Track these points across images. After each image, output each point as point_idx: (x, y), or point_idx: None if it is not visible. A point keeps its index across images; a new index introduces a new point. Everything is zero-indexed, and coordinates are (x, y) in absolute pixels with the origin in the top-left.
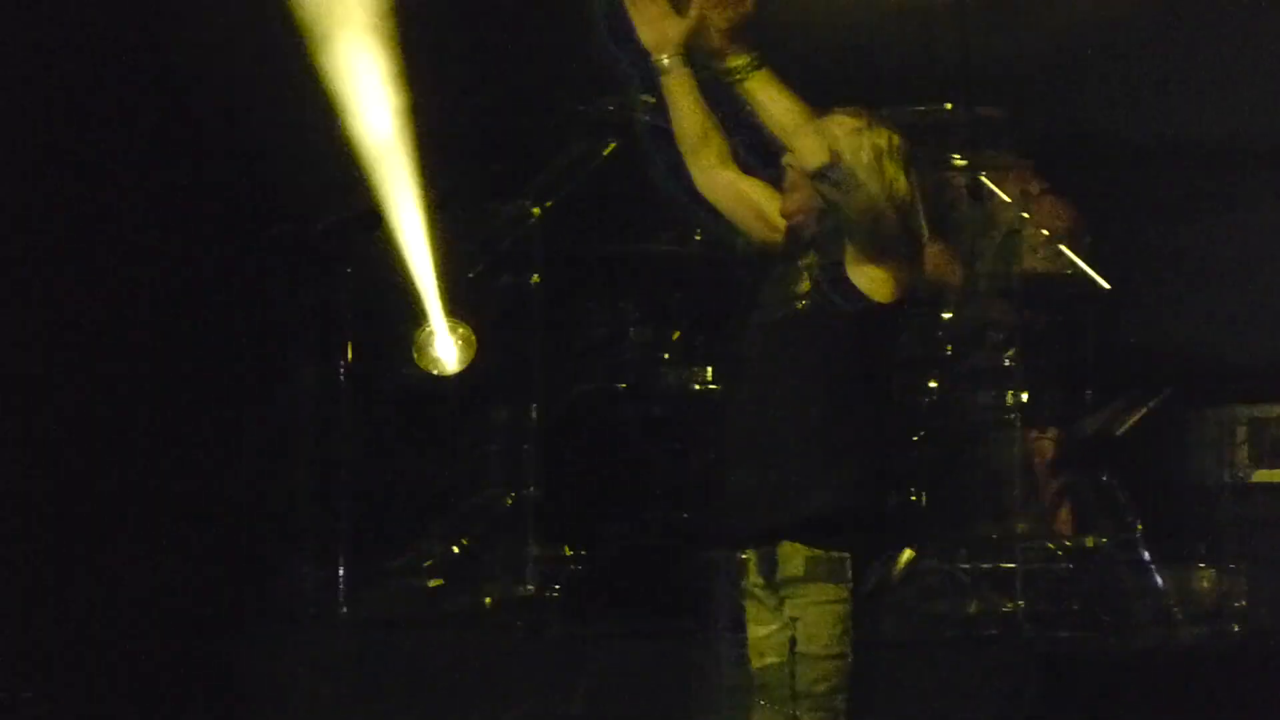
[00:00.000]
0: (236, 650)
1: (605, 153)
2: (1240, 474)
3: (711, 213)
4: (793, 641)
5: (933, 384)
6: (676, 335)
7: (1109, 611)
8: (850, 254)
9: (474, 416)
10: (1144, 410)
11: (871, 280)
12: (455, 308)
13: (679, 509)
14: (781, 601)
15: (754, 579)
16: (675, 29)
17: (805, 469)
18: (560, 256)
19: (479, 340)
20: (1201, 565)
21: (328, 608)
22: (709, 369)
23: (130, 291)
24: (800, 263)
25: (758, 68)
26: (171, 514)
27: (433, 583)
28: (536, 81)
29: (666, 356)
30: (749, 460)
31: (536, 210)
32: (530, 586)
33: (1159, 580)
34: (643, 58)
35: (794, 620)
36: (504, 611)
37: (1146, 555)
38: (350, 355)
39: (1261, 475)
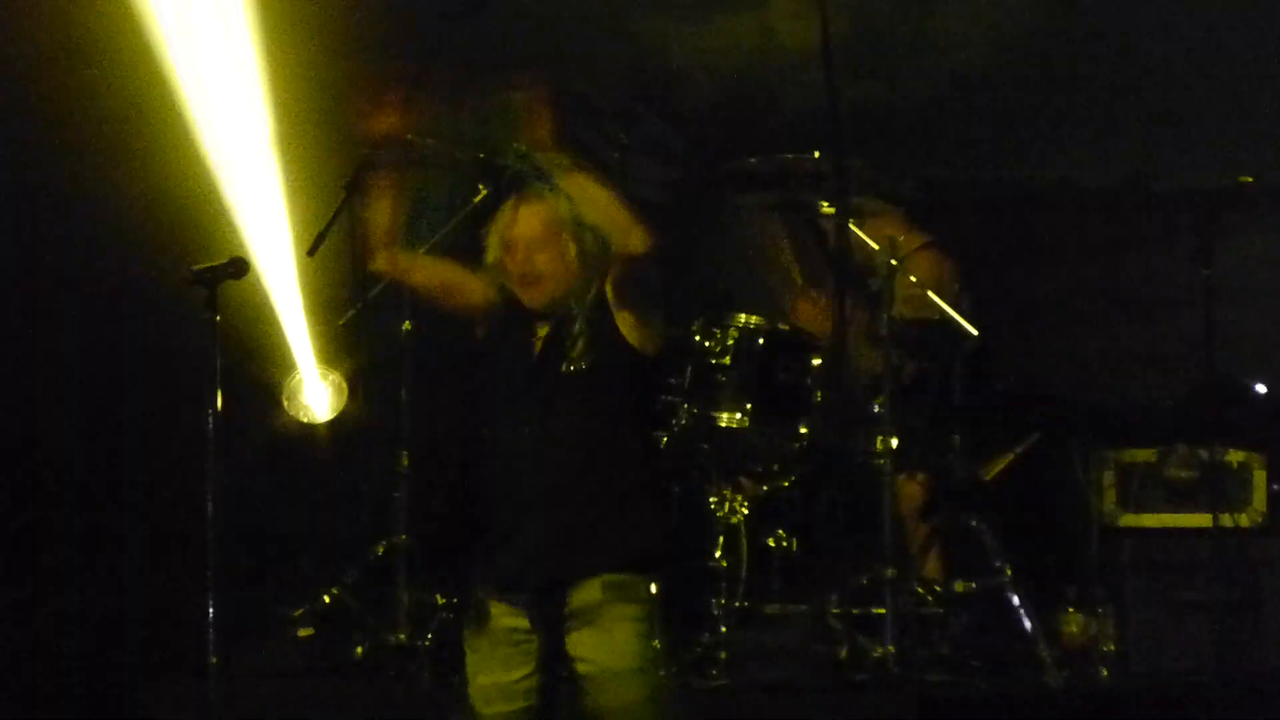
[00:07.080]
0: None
1: (476, 200)
2: (1107, 518)
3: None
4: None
5: (803, 429)
6: None
7: (978, 655)
8: (624, 317)
9: (346, 464)
10: (1013, 455)
11: (642, 337)
12: (327, 355)
13: None
14: (562, 638)
15: (509, 622)
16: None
17: (604, 511)
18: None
19: (351, 387)
20: (1070, 609)
21: (199, 658)
22: None
23: None
24: (572, 330)
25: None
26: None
27: (303, 632)
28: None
29: None
30: (545, 507)
31: None
32: (402, 635)
33: (1028, 624)
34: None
35: (596, 646)
36: (375, 660)
37: (1015, 599)
38: (220, 404)
39: (1128, 520)
